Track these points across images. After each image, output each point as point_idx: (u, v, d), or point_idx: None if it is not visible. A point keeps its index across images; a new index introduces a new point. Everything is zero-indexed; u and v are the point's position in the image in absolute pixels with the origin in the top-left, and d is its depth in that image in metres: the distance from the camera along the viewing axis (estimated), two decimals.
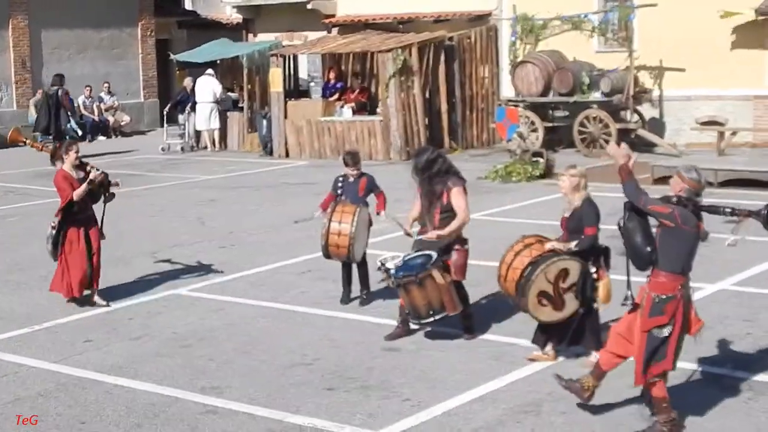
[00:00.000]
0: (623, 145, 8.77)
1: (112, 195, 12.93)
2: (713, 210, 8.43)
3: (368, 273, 12.56)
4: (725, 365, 9.87)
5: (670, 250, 8.17)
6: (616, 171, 8.43)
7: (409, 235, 11.30)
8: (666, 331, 8.16)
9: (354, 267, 12.53)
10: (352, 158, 12.52)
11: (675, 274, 8.17)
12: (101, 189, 12.76)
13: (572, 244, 9.88)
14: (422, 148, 12.24)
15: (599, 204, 10.04)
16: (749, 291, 12.68)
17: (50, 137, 27.17)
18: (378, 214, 12.53)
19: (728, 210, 8.42)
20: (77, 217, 12.64)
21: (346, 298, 12.54)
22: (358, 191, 12.48)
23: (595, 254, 9.91)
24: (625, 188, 8.29)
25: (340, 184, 12.58)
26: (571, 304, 9.82)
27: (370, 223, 12.52)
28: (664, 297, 8.15)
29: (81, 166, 12.68)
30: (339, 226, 12.05)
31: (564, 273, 9.76)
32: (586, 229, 9.84)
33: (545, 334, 10.22)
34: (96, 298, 12.78)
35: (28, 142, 14.98)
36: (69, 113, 29.38)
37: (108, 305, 12.70)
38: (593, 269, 9.86)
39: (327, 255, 12.36)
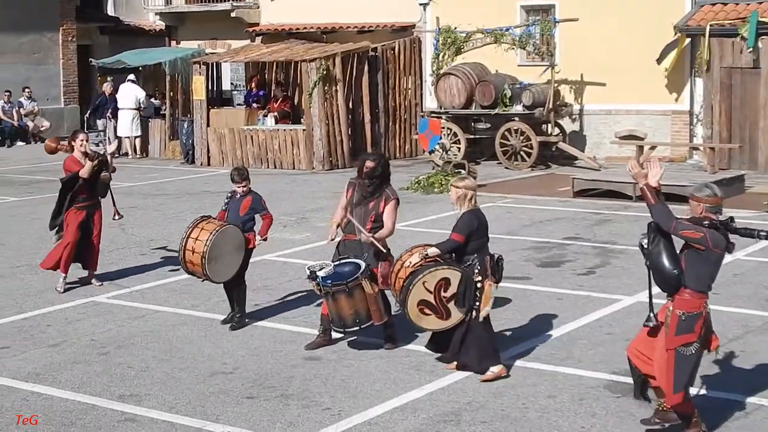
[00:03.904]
0: (652, 160, 8.34)
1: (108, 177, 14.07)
2: (747, 233, 8.26)
3: (244, 296, 12.06)
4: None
5: (697, 271, 8.08)
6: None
7: (333, 240, 11.31)
8: (693, 349, 8.12)
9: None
10: (239, 174, 11.91)
11: (700, 292, 8.12)
12: (102, 170, 13.88)
13: (432, 248, 10.09)
14: (376, 153, 12.14)
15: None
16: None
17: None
18: (261, 237, 11.98)
19: (763, 233, 8.31)
20: (83, 205, 13.72)
21: (230, 318, 12.02)
22: (240, 210, 11.89)
23: (481, 264, 9.96)
24: (653, 212, 8.07)
25: (226, 200, 12.07)
26: (456, 313, 9.97)
27: (251, 245, 11.90)
28: (690, 314, 8.10)
29: (86, 155, 13.77)
30: (194, 243, 11.56)
31: (444, 282, 9.90)
32: (452, 234, 10.00)
33: (436, 343, 10.37)
34: (93, 280, 14.01)
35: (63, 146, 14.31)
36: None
37: (101, 284, 13.93)
38: (478, 278, 9.95)
39: (187, 270, 11.93)
